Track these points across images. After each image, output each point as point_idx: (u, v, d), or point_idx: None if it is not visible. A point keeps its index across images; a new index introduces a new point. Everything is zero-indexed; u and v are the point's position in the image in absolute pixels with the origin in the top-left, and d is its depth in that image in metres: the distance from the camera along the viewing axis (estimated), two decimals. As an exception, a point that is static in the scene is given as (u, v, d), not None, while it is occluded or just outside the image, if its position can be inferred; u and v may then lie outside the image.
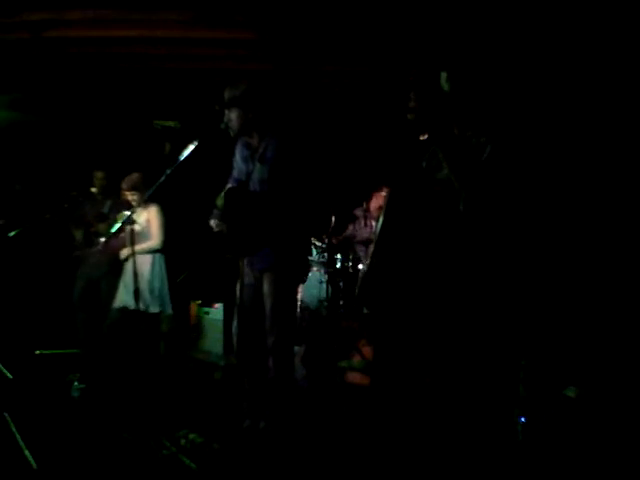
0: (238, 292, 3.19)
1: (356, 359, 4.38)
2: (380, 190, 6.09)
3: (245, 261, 3.15)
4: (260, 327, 3.16)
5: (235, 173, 3.28)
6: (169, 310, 4.70)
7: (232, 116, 3.03)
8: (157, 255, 4.62)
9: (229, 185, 3.26)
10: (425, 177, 2.34)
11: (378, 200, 6.11)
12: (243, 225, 3.03)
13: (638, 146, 3.23)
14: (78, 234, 4.88)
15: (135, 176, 4.52)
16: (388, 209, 2.39)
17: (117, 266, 4.53)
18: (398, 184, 2.41)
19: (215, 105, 3.05)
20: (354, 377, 4.22)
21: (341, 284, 5.58)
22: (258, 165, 3.07)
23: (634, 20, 3.29)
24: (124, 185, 4.51)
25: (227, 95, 3.03)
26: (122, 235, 4.16)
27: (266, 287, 3.10)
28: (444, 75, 2.25)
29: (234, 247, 3.14)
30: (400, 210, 2.35)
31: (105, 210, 4.79)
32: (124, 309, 4.41)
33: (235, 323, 3.23)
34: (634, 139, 3.26)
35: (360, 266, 5.67)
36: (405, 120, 2.32)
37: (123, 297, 4.43)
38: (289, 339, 3.17)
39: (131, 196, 4.47)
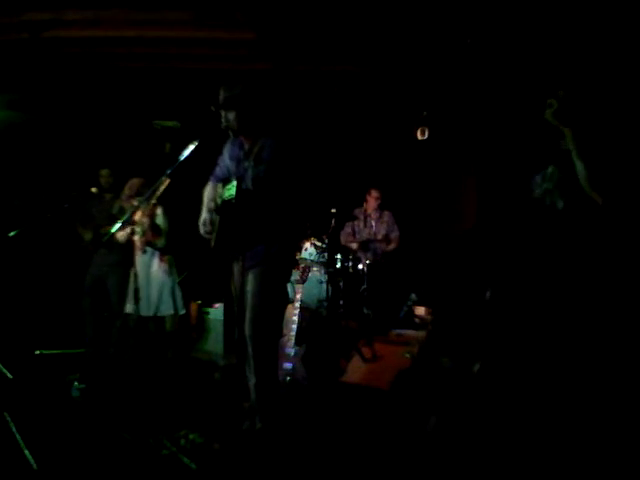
0: (233, 292, 3.17)
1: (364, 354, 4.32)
2: (373, 191, 6.11)
3: (235, 260, 3.12)
4: None
5: (218, 171, 3.27)
6: (182, 310, 4.78)
7: (230, 117, 3.03)
8: (166, 256, 4.68)
9: (211, 181, 3.26)
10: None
11: (373, 201, 6.12)
12: (236, 224, 2.98)
13: None
14: (87, 235, 4.90)
15: (136, 181, 4.59)
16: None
17: (123, 267, 4.57)
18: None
19: (211, 106, 3.04)
20: (354, 377, 4.22)
21: (341, 284, 5.57)
22: (252, 165, 3.06)
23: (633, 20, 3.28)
24: (127, 191, 4.58)
25: (223, 96, 3.02)
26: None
27: (249, 285, 3.02)
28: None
29: (225, 245, 3.08)
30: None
31: (114, 211, 4.80)
32: (134, 315, 4.48)
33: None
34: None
35: (360, 266, 5.68)
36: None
37: (132, 304, 4.49)
38: (269, 340, 3.06)
39: (134, 201, 4.50)
